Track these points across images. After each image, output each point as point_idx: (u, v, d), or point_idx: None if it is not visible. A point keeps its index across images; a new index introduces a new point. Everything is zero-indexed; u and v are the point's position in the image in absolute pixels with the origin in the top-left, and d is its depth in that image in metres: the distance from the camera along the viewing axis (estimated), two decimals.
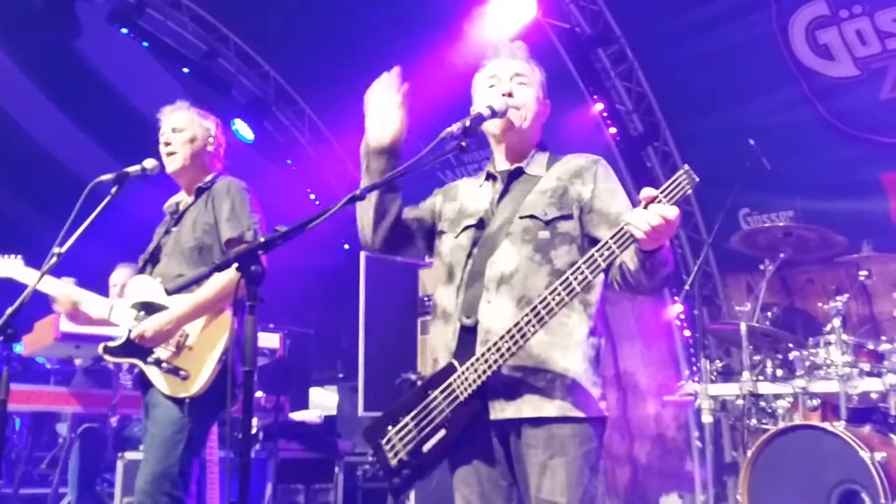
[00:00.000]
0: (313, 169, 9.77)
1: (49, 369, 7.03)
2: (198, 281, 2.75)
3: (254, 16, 8.75)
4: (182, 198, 4.07)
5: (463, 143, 2.75)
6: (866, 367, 4.65)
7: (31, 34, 8.22)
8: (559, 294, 2.44)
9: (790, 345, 5.04)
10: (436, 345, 2.76)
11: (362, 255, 6.16)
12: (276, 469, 5.53)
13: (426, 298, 6.03)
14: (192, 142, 3.98)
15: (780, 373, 5.01)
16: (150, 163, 3.95)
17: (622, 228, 2.37)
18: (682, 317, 7.57)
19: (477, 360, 2.54)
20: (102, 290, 5.77)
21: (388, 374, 5.28)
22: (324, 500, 6.03)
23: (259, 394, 5.69)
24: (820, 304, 5.02)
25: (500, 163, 2.93)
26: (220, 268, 2.52)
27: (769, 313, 5.46)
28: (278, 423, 5.46)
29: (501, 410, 2.58)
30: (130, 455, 5.76)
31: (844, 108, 6.41)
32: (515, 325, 2.48)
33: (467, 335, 2.63)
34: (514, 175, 2.86)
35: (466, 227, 2.82)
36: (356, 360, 5.89)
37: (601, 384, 2.66)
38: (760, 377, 5.02)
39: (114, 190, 3.89)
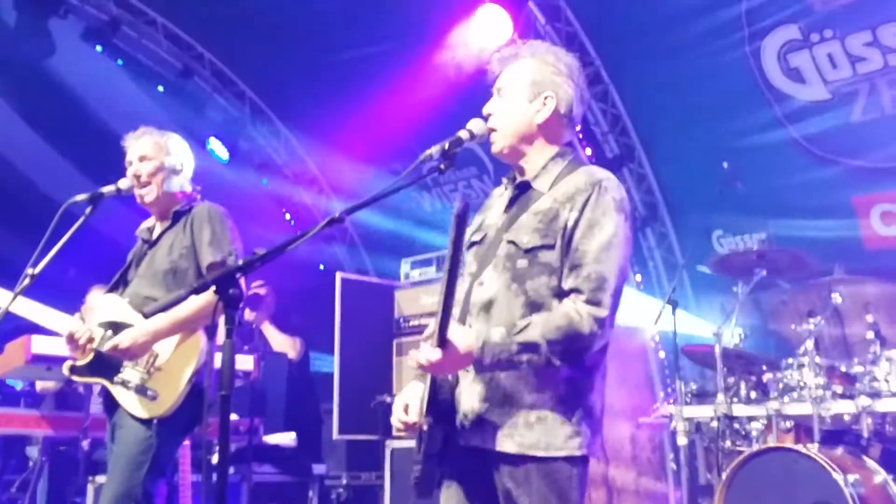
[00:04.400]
0: (289, 189, 9.74)
1: (19, 391, 6.93)
2: (174, 304, 2.73)
3: (229, 34, 8.73)
4: (154, 222, 4.04)
5: (442, 166, 2.74)
6: (839, 389, 4.69)
7: (3, 52, 8.15)
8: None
9: (764, 367, 5.07)
10: None
11: (338, 276, 6.15)
12: (249, 492, 5.47)
13: (402, 320, 6.02)
14: (161, 170, 3.94)
15: (753, 395, 5.03)
16: (124, 182, 3.97)
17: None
18: (657, 338, 7.60)
19: (441, 380, 2.54)
20: (77, 309, 5.71)
21: (364, 397, 5.29)
22: None
23: (233, 416, 5.63)
24: (793, 326, 5.06)
25: (512, 172, 2.79)
26: (198, 290, 2.51)
27: (743, 335, 5.49)
28: (252, 445, 5.41)
29: (470, 437, 2.53)
30: (101, 479, 5.67)
31: (816, 131, 6.48)
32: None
33: None
34: (522, 188, 2.71)
35: (472, 244, 2.76)
36: (331, 383, 5.85)
37: (580, 421, 2.51)
38: (735, 399, 5.05)
39: (88, 210, 3.87)
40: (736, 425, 5.10)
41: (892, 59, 6.02)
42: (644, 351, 7.87)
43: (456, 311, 2.61)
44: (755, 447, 4.76)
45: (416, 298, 6.03)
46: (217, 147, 9.04)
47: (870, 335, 4.77)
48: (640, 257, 7.85)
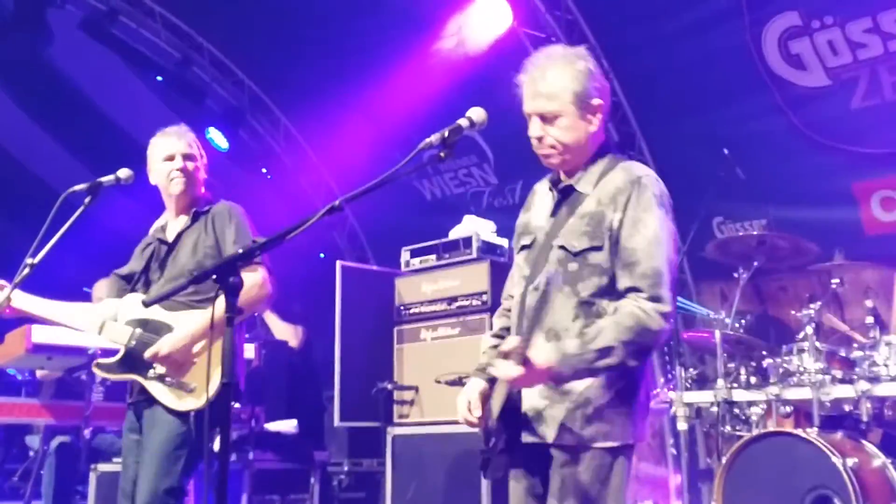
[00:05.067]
0: (289, 178, 9.73)
1: (20, 381, 6.95)
2: (176, 292, 2.73)
3: (228, 24, 8.71)
4: (168, 219, 4.02)
5: (441, 154, 2.76)
6: (838, 374, 4.70)
7: (1, 42, 8.13)
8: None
9: (763, 352, 5.08)
10: None
11: (338, 264, 6.15)
12: (250, 480, 5.50)
13: (402, 308, 6.02)
14: (197, 169, 3.97)
15: (753, 380, 5.05)
16: (123, 172, 3.96)
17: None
18: None
19: (498, 384, 2.67)
20: (76, 300, 5.72)
21: (365, 384, 5.30)
22: None
23: (234, 404, 5.65)
24: (793, 312, 5.07)
25: (555, 175, 2.86)
26: (198, 280, 2.54)
27: (743, 321, 5.50)
28: (253, 433, 5.42)
29: (529, 435, 2.66)
30: (103, 467, 5.70)
31: (816, 118, 6.47)
32: None
33: None
34: (565, 192, 2.78)
35: (523, 248, 2.86)
36: (332, 370, 5.86)
37: (633, 411, 2.64)
38: (734, 384, 5.06)
39: (87, 200, 3.87)
40: (736, 410, 5.11)
41: (892, 46, 6.00)
42: None
43: (513, 317, 2.78)
44: (755, 432, 4.78)
45: (416, 286, 6.03)
46: (216, 137, 9.03)
47: (869, 320, 4.78)
48: None
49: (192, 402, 3.60)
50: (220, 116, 9.21)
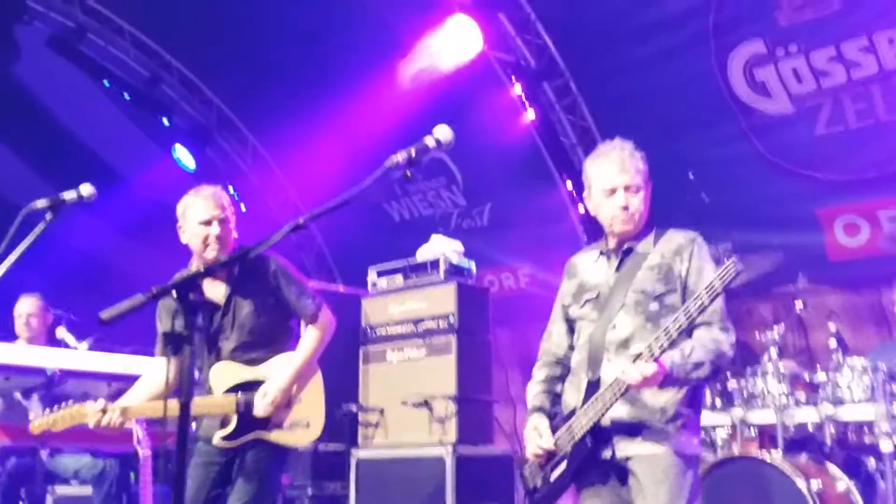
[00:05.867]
0: (256, 197, 9.67)
1: None
2: (134, 308, 2.66)
3: (197, 43, 8.68)
4: (194, 272, 4.01)
5: (408, 173, 2.75)
6: (802, 396, 4.73)
7: None
8: (614, 389, 2.99)
9: (728, 374, 5.10)
10: (566, 395, 3.29)
11: None
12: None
13: (368, 328, 5.99)
14: (230, 230, 4.02)
15: (718, 402, 5.06)
16: (86, 189, 3.90)
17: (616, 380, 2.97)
18: None
19: (589, 406, 3.07)
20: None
21: (330, 405, 5.20)
22: None
23: (194, 425, 5.55)
24: (757, 335, 5.10)
25: (612, 243, 3.32)
26: (158, 296, 2.50)
27: None
28: None
29: (625, 449, 3.08)
30: (61, 490, 5.58)
31: (781, 144, 6.56)
32: (615, 380, 2.99)
33: (592, 387, 3.12)
34: (626, 253, 3.27)
35: (588, 301, 3.30)
36: None
37: (698, 427, 3.18)
38: None
39: (48, 217, 3.81)
40: (702, 433, 5.11)
41: (855, 74, 6.11)
42: None
43: (582, 355, 3.23)
44: (720, 455, 4.79)
45: (383, 307, 6.00)
46: (183, 155, 8.97)
47: (832, 344, 4.82)
48: None
49: (310, 436, 4.00)
50: (188, 134, 9.16)
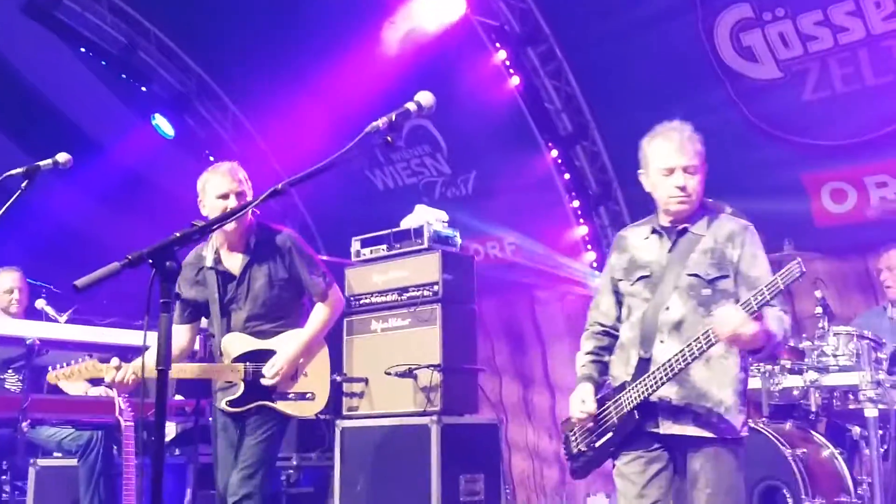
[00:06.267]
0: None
1: None
2: (108, 276, 2.58)
3: (175, 9, 8.53)
4: (218, 249, 4.24)
5: (389, 138, 2.71)
6: (787, 364, 4.72)
7: None
8: (700, 344, 3.07)
9: None
10: (615, 368, 3.38)
11: None
12: (195, 474, 5.36)
13: (352, 298, 5.93)
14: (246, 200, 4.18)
15: None
16: (62, 157, 3.89)
17: (708, 332, 3.03)
18: None
19: (640, 382, 3.20)
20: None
21: None
22: None
23: (178, 397, 5.50)
24: None
25: (664, 220, 3.37)
26: (133, 264, 2.43)
27: None
28: (198, 426, 5.28)
29: (669, 427, 3.20)
30: (43, 462, 5.53)
31: (767, 110, 6.52)
32: (667, 361, 3.12)
33: (644, 365, 3.23)
34: (681, 233, 3.31)
35: (641, 278, 3.35)
36: None
37: (745, 412, 3.26)
38: None
39: (24, 184, 3.76)
40: None
41: (842, 39, 6.06)
42: None
43: (634, 332, 3.31)
44: None
45: (367, 277, 5.94)
46: (162, 123, 8.85)
47: (818, 311, 4.80)
48: (595, 236, 7.85)
49: (314, 408, 4.21)
50: (167, 102, 9.03)
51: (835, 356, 4.61)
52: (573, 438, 3.45)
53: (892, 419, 4.39)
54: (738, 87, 6.58)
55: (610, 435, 3.31)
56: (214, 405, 4.32)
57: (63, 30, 8.33)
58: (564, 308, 8.24)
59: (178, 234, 2.45)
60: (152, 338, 2.47)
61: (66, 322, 5.56)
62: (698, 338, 3.07)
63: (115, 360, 4.07)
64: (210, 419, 5.73)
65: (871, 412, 4.36)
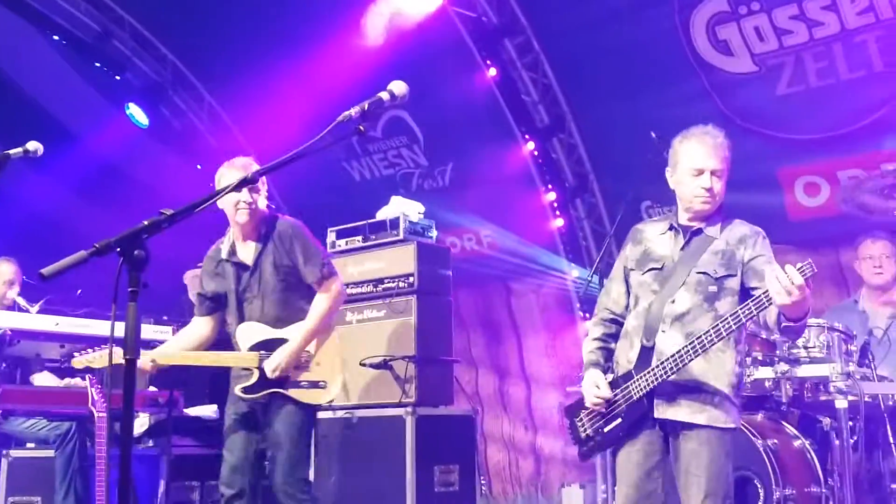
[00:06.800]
0: (212, 157, 9.49)
1: None
2: (75, 265, 2.56)
3: None
4: (234, 241, 4.42)
5: (361, 127, 2.70)
6: (759, 355, 4.74)
7: None
8: (711, 336, 3.24)
9: None
10: (619, 355, 3.54)
11: None
12: (168, 466, 5.33)
13: None
14: (259, 196, 4.34)
15: None
16: (32, 145, 3.88)
17: (759, 297, 3.13)
18: (585, 308, 7.64)
19: (649, 371, 3.35)
20: None
21: None
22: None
23: (152, 388, 5.47)
24: None
25: (683, 218, 3.55)
26: (101, 252, 2.41)
27: None
28: (172, 418, 5.26)
29: (664, 411, 3.37)
30: (16, 453, 5.48)
31: (742, 103, 6.55)
32: (678, 351, 3.28)
33: (646, 353, 3.41)
34: (696, 233, 3.49)
35: (651, 269, 3.52)
36: None
37: (738, 405, 3.43)
38: None
39: None
40: None
41: (817, 33, 6.09)
42: (572, 321, 7.91)
43: (638, 321, 3.47)
44: None
45: (342, 268, 5.89)
46: (137, 113, 8.76)
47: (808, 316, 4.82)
48: (570, 228, 7.86)
49: (326, 396, 4.32)
50: (141, 92, 8.94)
51: (806, 348, 4.64)
52: (580, 424, 3.60)
53: (861, 410, 4.42)
54: (713, 80, 6.61)
55: (619, 421, 3.46)
56: (231, 394, 4.41)
57: (36, 17, 8.22)
58: (540, 300, 8.26)
59: (146, 223, 2.43)
60: (120, 328, 2.46)
61: (38, 312, 5.51)
62: (726, 318, 3.21)
63: None
64: (179, 411, 5.73)
65: (841, 403, 4.39)
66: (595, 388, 3.49)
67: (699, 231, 3.51)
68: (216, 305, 4.50)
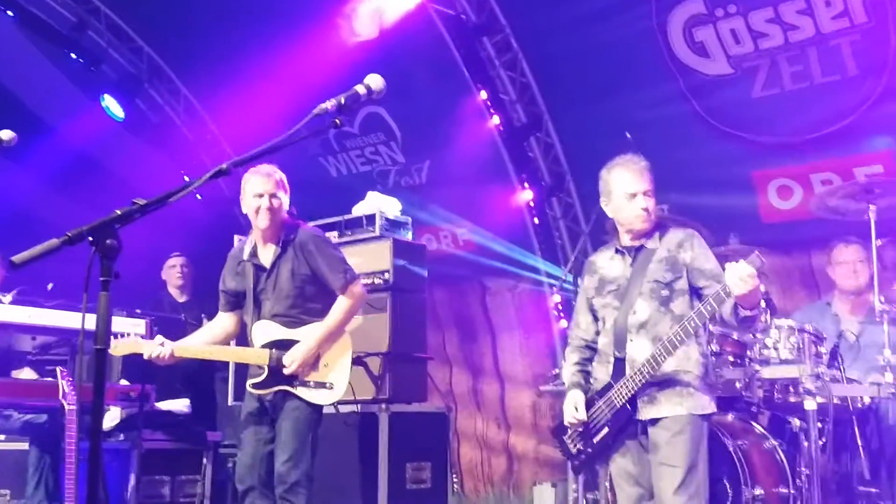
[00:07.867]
0: (188, 149, 9.43)
1: None
2: (47, 252, 2.54)
3: None
4: (256, 244, 4.59)
5: (337, 121, 2.70)
6: (730, 356, 4.78)
7: None
8: (678, 335, 3.57)
9: None
10: (597, 371, 3.87)
11: (236, 238, 5.96)
12: (139, 460, 5.29)
13: None
14: (282, 204, 4.52)
15: None
16: (5, 134, 3.95)
17: (718, 292, 3.48)
18: (560, 307, 7.66)
19: (628, 379, 3.67)
20: None
21: None
22: (191, 492, 5.80)
23: (123, 382, 5.42)
24: None
25: (625, 240, 3.90)
26: (73, 241, 2.40)
27: None
28: (143, 412, 5.22)
29: (648, 412, 3.67)
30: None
31: (718, 105, 6.59)
32: (651, 355, 3.61)
33: (619, 364, 3.74)
34: (638, 250, 3.85)
35: (610, 291, 3.88)
36: None
37: (711, 390, 3.80)
38: None
39: None
40: None
41: (792, 36, 6.15)
42: (546, 320, 7.93)
43: (608, 338, 3.82)
44: None
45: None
46: (112, 105, 8.68)
47: (762, 304, 4.86)
48: (546, 227, 7.88)
49: (332, 397, 4.46)
50: (117, 84, 8.86)
51: (776, 349, 4.68)
52: (569, 441, 3.92)
53: (830, 412, 4.46)
54: (689, 82, 6.65)
55: (606, 431, 3.76)
56: (246, 392, 4.55)
57: (10, 6, 8.12)
58: (515, 299, 8.28)
59: (118, 212, 2.41)
60: (91, 319, 2.44)
61: (11, 304, 5.45)
62: (691, 317, 3.56)
63: (158, 338, 4.46)
64: (151, 406, 5.69)
65: (810, 405, 4.42)
66: (574, 409, 3.81)
67: (641, 248, 3.86)
68: (237, 301, 4.66)
